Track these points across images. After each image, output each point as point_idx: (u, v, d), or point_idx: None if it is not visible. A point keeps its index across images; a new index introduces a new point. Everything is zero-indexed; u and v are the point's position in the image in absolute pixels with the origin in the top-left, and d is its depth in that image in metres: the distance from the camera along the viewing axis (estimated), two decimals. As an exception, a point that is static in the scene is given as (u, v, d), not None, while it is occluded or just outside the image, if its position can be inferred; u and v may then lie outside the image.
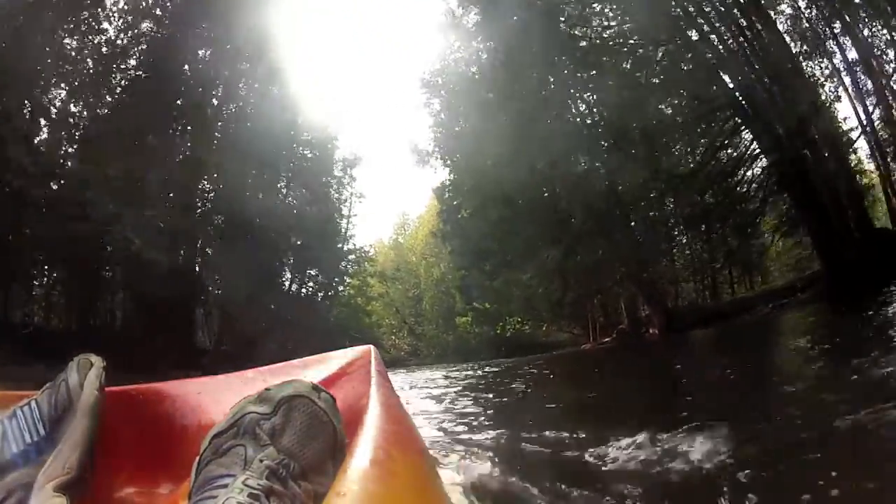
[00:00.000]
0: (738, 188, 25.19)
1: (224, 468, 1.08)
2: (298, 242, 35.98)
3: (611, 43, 24.31)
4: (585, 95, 26.55)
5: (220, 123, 29.50)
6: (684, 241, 30.16)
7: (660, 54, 23.07)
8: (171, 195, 25.50)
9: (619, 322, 31.68)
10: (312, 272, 38.66)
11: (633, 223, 26.81)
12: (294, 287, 37.24)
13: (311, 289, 39.22)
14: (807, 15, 22.10)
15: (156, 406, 1.79)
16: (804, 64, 22.26)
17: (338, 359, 1.99)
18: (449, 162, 34.38)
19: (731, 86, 21.47)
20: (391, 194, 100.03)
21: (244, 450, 1.09)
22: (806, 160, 19.42)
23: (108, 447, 1.41)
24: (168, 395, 1.84)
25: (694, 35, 22.28)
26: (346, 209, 40.79)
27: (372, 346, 1.97)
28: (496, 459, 3.84)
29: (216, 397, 1.82)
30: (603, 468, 3.47)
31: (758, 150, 22.52)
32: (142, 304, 23.94)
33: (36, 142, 22.60)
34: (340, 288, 40.93)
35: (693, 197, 25.12)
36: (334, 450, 1.17)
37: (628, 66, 24.29)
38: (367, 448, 1.04)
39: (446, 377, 16.54)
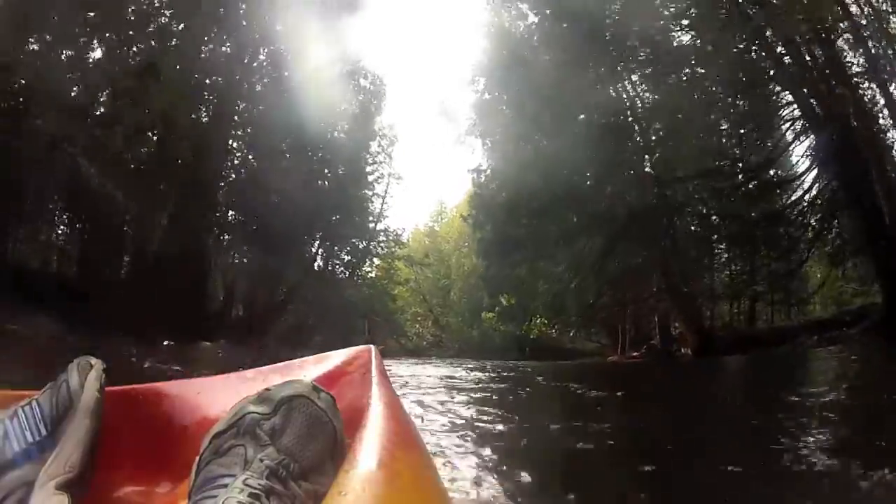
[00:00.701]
0: (790, 209, 25.06)
1: (224, 468, 1.10)
2: (334, 218, 36.16)
3: (659, 38, 24.20)
4: (640, 92, 26.60)
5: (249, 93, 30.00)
6: (724, 258, 29.69)
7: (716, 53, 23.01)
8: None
9: (649, 337, 31.55)
10: (340, 250, 39.00)
11: (675, 231, 25.90)
12: (319, 263, 37.59)
13: (336, 266, 39.43)
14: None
15: (156, 406, 1.81)
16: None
17: (338, 359, 2.02)
18: (488, 142, 33.44)
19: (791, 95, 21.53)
20: (430, 181, 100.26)
21: (244, 450, 1.12)
22: (869, 176, 19.06)
23: (109, 447, 1.44)
24: (168, 395, 1.86)
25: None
26: (382, 188, 40.86)
27: (372, 346, 2.00)
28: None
29: (216, 397, 1.84)
30: None
31: (813, 165, 22.49)
32: (147, 259, 23.93)
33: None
34: (367, 268, 41.12)
35: (739, 210, 24.88)
36: (334, 450, 1.19)
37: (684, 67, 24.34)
38: (367, 448, 1.07)
39: (448, 381, 13.65)
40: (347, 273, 39.61)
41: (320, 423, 1.19)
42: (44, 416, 1.34)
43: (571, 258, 27.32)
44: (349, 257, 39.80)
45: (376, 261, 41.47)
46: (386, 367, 1.84)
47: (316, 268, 36.79)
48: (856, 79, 20.21)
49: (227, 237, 30.52)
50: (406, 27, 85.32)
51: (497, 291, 38.07)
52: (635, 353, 29.50)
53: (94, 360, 1.50)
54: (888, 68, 19.61)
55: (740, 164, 26.11)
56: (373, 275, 42.42)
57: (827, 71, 19.85)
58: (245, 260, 31.64)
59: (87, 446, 1.31)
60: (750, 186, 25.22)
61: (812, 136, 21.96)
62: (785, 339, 21.06)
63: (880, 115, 20.74)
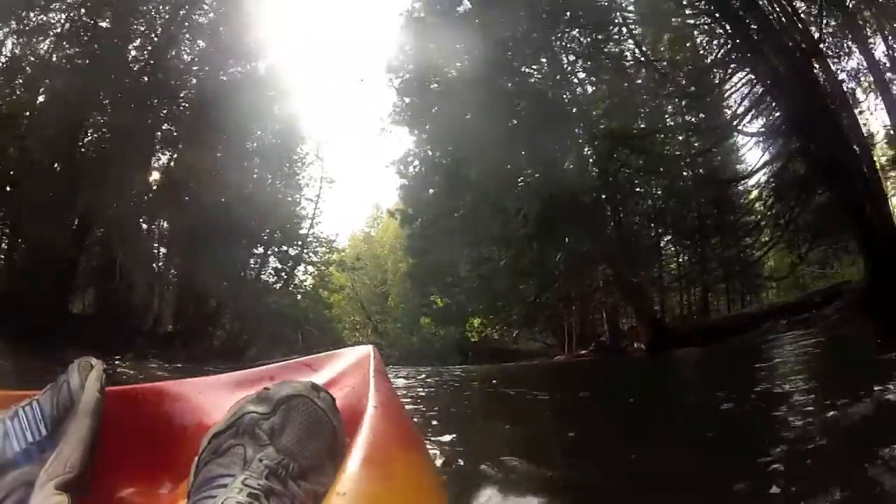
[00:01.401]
0: (742, 196, 25.46)
1: (223, 468, 1.14)
2: (264, 225, 35.43)
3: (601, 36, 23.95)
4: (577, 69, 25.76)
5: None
6: (673, 249, 29.66)
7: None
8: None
9: (597, 334, 31.01)
10: (271, 257, 38.31)
11: (621, 220, 25.45)
12: (251, 273, 37.01)
13: (269, 275, 38.86)
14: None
15: (156, 406, 1.85)
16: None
17: (337, 359, 2.07)
18: (416, 131, 31.53)
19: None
20: (366, 185, 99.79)
21: (243, 449, 1.15)
22: (841, 142, 18.70)
23: (109, 447, 1.46)
24: (168, 395, 1.90)
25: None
26: (314, 192, 39.81)
27: (372, 346, 2.05)
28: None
29: (216, 397, 1.89)
30: None
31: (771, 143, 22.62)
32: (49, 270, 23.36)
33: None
34: (302, 277, 40.64)
35: (688, 196, 25.16)
36: (334, 450, 1.22)
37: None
38: (366, 448, 1.11)
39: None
40: (280, 282, 39.11)
41: (320, 423, 1.22)
42: (44, 417, 1.38)
43: (507, 248, 25.90)
44: (281, 265, 39.34)
45: (310, 268, 41.15)
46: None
47: (248, 277, 36.46)
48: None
49: (157, 247, 30.18)
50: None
51: (427, 290, 37.16)
52: (583, 352, 28.78)
53: (94, 361, 1.53)
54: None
55: (690, 139, 26.12)
56: (308, 283, 41.92)
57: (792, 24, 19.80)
58: (173, 271, 31.16)
59: (87, 446, 1.33)
60: (700, 171, 25.56)
61: (769, 112, 22.23)
62: (748, 326, 20.16)
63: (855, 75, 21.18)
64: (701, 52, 23.97)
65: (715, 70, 22.77)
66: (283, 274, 38.12)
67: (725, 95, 23.18)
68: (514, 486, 3.58)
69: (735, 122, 22.84)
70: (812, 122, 18.19)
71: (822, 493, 2.97)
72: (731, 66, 21.95)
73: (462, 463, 4.16)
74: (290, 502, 1.08)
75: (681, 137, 26.11)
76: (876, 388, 5.16)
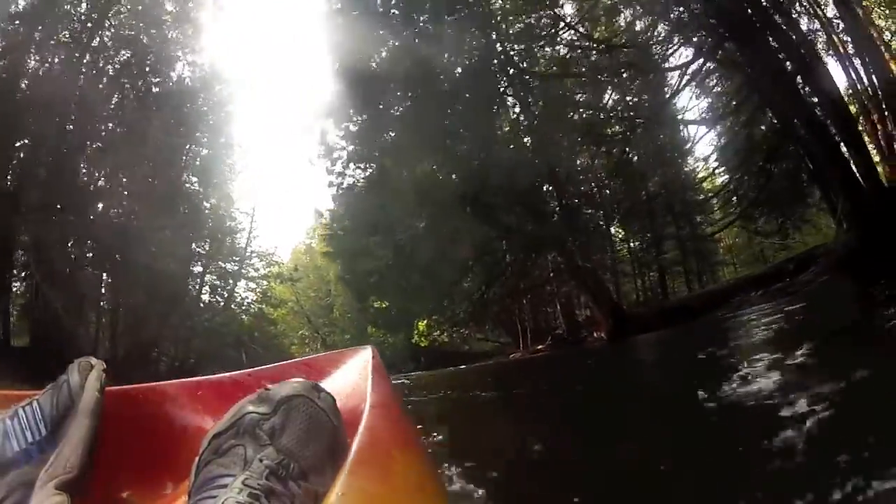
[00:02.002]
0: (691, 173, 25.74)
1: (224, 468, 1.16)
2: (200, 240, 35.20)
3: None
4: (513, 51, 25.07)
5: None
6: (622, 234, 29.78)
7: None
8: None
9: (553, 327, 30.64)
10: (208, 275, 37.77)
11: (567, 205, 24.85)
12: (191, 291, 36.52)
13: (208, 293, 37.89)
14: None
15: (156, 406, 1.87)
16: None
17: (337, 359, 2.11)
18: (344, 125, 27.90)
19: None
20: (302, 195, 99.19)
21: (244, 450, 1.17)
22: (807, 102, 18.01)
23: (109, 447, 1.48)
24: (168, 395, 1.92)
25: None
26: (250, 205, 39.71)
27: (372, 346, 2.08)
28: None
29: (216, 397, 1.92)
30: None
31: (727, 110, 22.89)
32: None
33: None
34: (244, 293, 40.19)
35: (634, 181, 25.45)
36: (334, 450, 1.24)
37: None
38: (367, 448, 1.15)
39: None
40: (221, 300, 38.70)
41: (320, 423, 1.25)
42: (44, 416, 1.40)
43: (447, 242, 23.35)
44: (219, 282, 38.95)
45: (251, 284, 40.76)
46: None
47: (187, 297, 36.00)
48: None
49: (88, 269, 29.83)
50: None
51: (363, 293, 32.09)
52: (540, 347, 28.27)
53: (94, 361, 1.56)
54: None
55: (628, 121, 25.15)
56: (250, 299, 41.54)
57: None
58: (104, 293, 30.76)
59: (87, 446, 1.36)
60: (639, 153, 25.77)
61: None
62: (715, 304, 19.42)
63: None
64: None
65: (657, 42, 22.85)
66: (223, 292, 37.71)
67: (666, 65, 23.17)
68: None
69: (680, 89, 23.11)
70: (772, 82, 18.14)
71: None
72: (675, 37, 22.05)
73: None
74: (290, 502, 1.11)
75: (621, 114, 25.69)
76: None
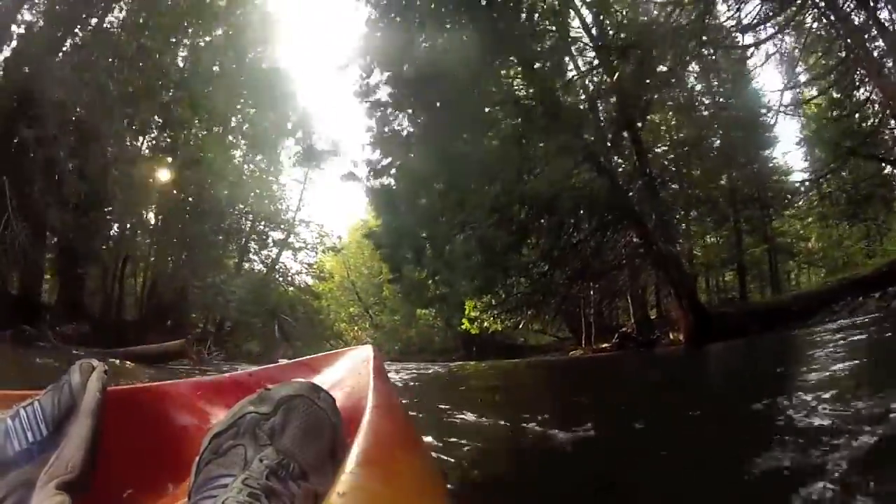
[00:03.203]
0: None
1: (224, 468, 1.22)
2: (246, 207, 36.05)
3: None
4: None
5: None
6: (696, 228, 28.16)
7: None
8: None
9: (619, 324, 29.24)
10: (254, 243, 38.14)
11: (648, 171, 22.00)
12: (235, 259, 36.80)
13: (253, 262, 38.55)
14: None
15: (156, 406, 1.96)
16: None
17: (337, 359, 2.18)
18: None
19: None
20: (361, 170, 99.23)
21: (244, 450, 1.24)
22: None
23: (110, 447, 1.56)
24: (168, 395, 2.01)
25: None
26: (301, 173, 40.28)
27: (371, 346, 2.16)
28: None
29: (216, 397, 2.01)
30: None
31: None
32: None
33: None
34: (288, 263, 40.29)
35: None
36: (334, 450, 1.31)
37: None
38: (367, 448, 1.20)
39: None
40: (265, 269, 38.88)
41: (320, 423, 1.32)
42: (45, 417, 1.48)
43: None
44: (265, 251, 39.05)
45: (300, 255, 40.78)
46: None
47: (232, 265, 36.26)
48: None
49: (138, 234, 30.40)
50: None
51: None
52: (605, 345, 26.39)
53: (95, 362, 1.65)
54: None
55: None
56: (294, 270, 41.72)
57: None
58: (153, 259, 31.31)
59: (88, 446, 1.44)
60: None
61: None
62: (813, 308, 17.44)
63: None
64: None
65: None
66: (266, 262, 37.90)
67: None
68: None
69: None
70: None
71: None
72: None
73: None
74: (290, 502, 1.16)
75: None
76: None
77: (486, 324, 29.41)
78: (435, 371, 19.21)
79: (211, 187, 30.81)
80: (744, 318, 19.36)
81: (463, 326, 31.69)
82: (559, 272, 23.82)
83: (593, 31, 22.79)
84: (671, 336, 22.41)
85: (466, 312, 29.29)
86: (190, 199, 30.55)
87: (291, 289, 40.54)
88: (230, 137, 34.29)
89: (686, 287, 20.52)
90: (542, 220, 22.06)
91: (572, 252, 22.88)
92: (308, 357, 2.41)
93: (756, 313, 20.10)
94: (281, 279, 39.76)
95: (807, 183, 24.18)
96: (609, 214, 21.27)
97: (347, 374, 2.11)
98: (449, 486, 3.39)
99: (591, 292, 28.22)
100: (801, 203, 25.51)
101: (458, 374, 18.66)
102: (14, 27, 23.29)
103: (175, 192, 30.32)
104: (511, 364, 22.94)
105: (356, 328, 52.19)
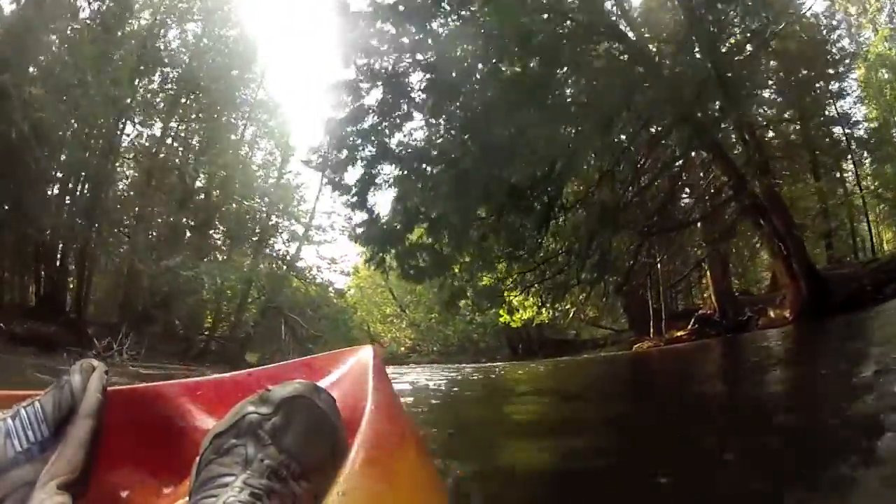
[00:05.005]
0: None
1: (225, 468, 1.33)
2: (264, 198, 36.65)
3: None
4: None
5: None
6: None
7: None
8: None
9: (694, 307, 26.88)
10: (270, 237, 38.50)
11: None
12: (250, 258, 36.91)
13: (268, 256, 39.02)
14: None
15: (157, 406, 2.09)
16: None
17: (338, 359, 2.33)
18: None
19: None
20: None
21: (245, 450, 1.34)
22: None
23: (110, 447, 1.69)
24: (169, 395, 2.15)
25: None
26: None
27: (371, 346, 2.29)
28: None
29: (217, 397, 2.15)
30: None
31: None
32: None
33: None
34: (308, 259, 40.29)
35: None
36: (335, 450, 1.41)
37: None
38: (367, 448, 1.30)
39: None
40: (284, 266, 39.18)
41: (321, 424, 1.44)
42: (46, 417, 1.61)
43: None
44: (282, 246, 39.44)
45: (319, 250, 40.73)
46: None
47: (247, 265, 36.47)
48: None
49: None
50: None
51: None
52: (681, 334, 24.05)
53: (96, 362, 1.80)
54: None
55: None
56: (316, 266, 41.61)
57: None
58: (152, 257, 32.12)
59: (88, 447, 1.58)
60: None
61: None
62: None
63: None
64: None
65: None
66: (286, 259, 38.01)
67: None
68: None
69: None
70: None
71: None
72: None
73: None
74: (291, 502, 1.27)
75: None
76: None
77: (528, 313, 25.65)
78: (479, 377, 17.82)
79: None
80: (863, 283, 17.30)
81: (501, 318, 28.62)
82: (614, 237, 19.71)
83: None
84: (770, 314, 20.12)
85: (509, 303, 25.39)
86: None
87: (314, 287, 40.41)
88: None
89: (796, 243, 18.14)
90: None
91: (638, 200, 20.03)
92: (308, 357, 2.54)
93: (881, 275, 17.80)
94: (297, 278, 39.64)
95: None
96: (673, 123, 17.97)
97: (347, 374, 2.25)
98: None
99: (659, 262, 25.00)
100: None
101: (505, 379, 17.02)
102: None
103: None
104: (572, 362, 22.03)
105: (394, 329, 52.62)
